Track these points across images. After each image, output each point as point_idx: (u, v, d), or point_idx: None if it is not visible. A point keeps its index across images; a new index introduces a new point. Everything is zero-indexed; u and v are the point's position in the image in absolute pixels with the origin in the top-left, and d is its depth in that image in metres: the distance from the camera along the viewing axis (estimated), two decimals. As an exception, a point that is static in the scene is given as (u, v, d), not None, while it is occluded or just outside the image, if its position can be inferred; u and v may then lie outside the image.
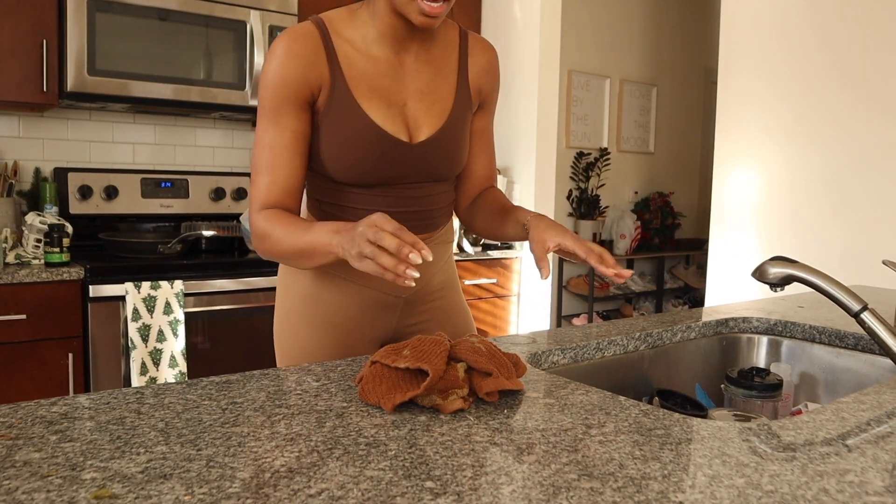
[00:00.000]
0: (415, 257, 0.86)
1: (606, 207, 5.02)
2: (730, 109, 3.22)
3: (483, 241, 3.43)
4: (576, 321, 4.80)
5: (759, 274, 1.11)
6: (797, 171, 3.01)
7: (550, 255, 1.12)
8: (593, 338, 1.21)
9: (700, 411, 1.21)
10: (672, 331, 1.34)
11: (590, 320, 4.79)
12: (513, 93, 3.47)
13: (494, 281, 3.30)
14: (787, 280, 1.09)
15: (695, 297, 5.46)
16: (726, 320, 1.45)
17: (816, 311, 1.55)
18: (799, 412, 1.27)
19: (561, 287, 4.93)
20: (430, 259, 0.87)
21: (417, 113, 1.20)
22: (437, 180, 1.25)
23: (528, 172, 3.45)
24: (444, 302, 1.36)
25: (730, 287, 3.25)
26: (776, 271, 1.09)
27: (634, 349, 1.27)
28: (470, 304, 3.23)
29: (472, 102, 1.29)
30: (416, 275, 0.87)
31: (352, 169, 1.17)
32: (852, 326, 1.36)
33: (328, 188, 1.22)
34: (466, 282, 3.21)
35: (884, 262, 1.33)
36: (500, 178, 3.41)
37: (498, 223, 1.29)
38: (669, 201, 5.34)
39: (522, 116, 3.45)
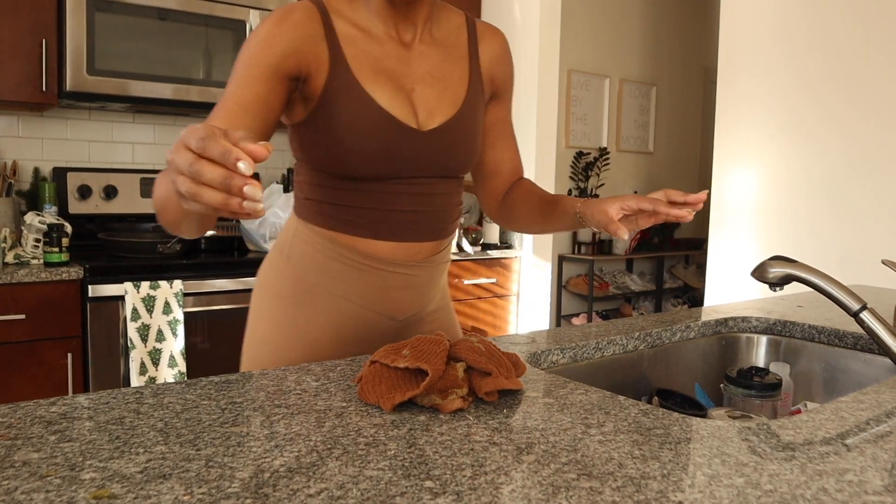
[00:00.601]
0: (251, 190, 0.60)
1: (606, 207, 5.02)
2: (729, 109, 3.22)
3: (483, 240, 3.43)
4: (575, 321, 4.80)
5: (759, 273, 1.11)
6: (796, 171, 3.01)
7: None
8: (592, 337, 1.21)
9: (699, 411, 1.21)
10: (671, 330, 1.34)
11: (589, 320, 4.79)
12: (514, 93, 3.47)
13: (494, 281, 3.30)
14: (786, 279, 1.09)
15: (694, 297, 5.47)
16: (725, 320, 1.45)
17: (815, 310, 1.55)
18: (798, 412, 1.27)
19: (560, 287, 4.93)
20: (257, 160, 0.61)
21: (428, 98, 1.11)
22: (447, 176, 1.15)
23: (528, 172, 3.45)
24: (439, 324, 1.27)
25: (729, 287, 3.25)
26: (776, 271, 1.09)
27: (634, 349, 1.27)
28: (469, 303, 3.24)
29: (485, 91, 1.21)
30: (258, 205, 0.61)
31: (355, 160, 1.06)
32: (851, 326, 1.36)
33: (328, 187, 1.11)
34: (466, 281, 3.21)
35: (883, 262, 1.33)
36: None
37: (542, 217, 1.23)
38: (669, 201, 5.34)
39: (522, 116, 3.45)
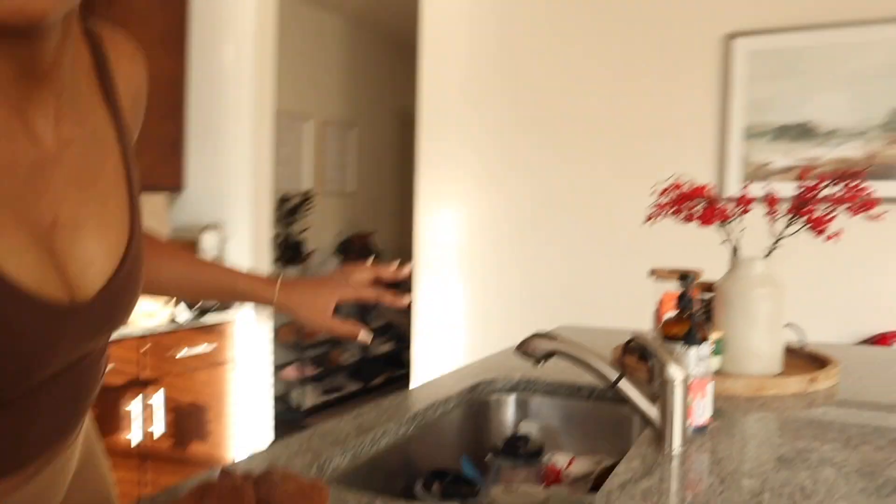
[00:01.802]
0: None
1: (312, 251, 4.98)
2: (429, 152, 3.40)
3: (201, 305, 3.11)
4: (289, 370, 4.66)
5: (524, 350, 1.15)
6: (493, 212, 3.28)
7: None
8: (367, 432, 1.14)
9: (471, 487, 1.21)
10: (434, 406, 1.33)
11: (302, 369, 4.69)
12: (224, 141, 3.23)
13: (215, 346, 3.03)
14: (549, 355, 1.14)
15: (398, 334, 5.64)
16: (475, 385, 1.49)
17: (553, 364, 1.66)
18: (552, 465, 1.33)
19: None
20: None
21: (82, 236, 0.62)
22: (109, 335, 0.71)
23: (244, 224, 3.25)
24: (88, 491, 0.82)
25: (439, 322, 3.42)
26: (540, 347, 1.14)
27: (405, 434, 1.23)
28: (187, 376, 2.91)
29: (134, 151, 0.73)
30: None
31: None
32: (583, 377, 1.48)
33: None
34: (179, 355, 2.86)
35: (652, 272, 1.51)
36: (213, 234, 3.16)
37: (200, 287, 0.99)
38: (369, 241, 5.48)
39: (234, 165, 3.24)
